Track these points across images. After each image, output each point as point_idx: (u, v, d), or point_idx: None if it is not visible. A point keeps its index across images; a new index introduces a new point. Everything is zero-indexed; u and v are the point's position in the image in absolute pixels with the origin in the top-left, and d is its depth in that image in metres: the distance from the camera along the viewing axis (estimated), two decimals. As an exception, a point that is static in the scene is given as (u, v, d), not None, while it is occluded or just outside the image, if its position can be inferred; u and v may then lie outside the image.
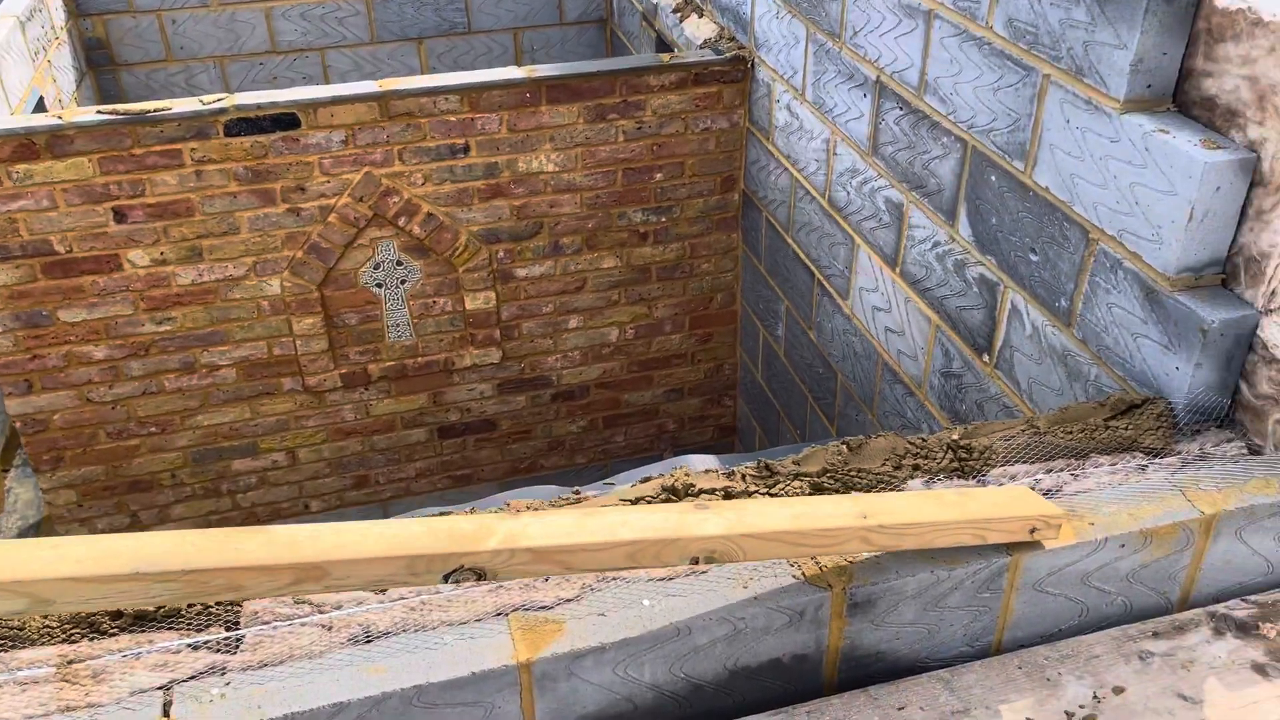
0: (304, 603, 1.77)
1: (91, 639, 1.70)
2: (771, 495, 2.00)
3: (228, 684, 1.62)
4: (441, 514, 1.99)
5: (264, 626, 1.73)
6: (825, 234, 4.04)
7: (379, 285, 4.72)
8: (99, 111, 4.00)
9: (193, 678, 1.63)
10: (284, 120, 4.16)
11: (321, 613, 1.75)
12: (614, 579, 1.83)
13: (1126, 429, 2.21)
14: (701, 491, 1.98)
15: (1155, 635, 1.97)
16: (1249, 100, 2.10)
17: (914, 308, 3.43)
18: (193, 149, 4.11)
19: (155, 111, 4.01)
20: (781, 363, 4.83)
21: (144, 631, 1.71)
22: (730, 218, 4.96)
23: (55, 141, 3.96)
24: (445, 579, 1.51)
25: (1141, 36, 2.22)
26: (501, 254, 4.74)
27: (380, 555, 1.47)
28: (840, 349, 4.11)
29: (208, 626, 1.73)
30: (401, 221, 4.52)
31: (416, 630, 1.72)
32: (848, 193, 3.77)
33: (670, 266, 5.03)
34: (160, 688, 1.62)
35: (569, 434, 5.46)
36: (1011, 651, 1.95)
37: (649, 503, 1.95)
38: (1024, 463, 2.14)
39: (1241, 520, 2.02)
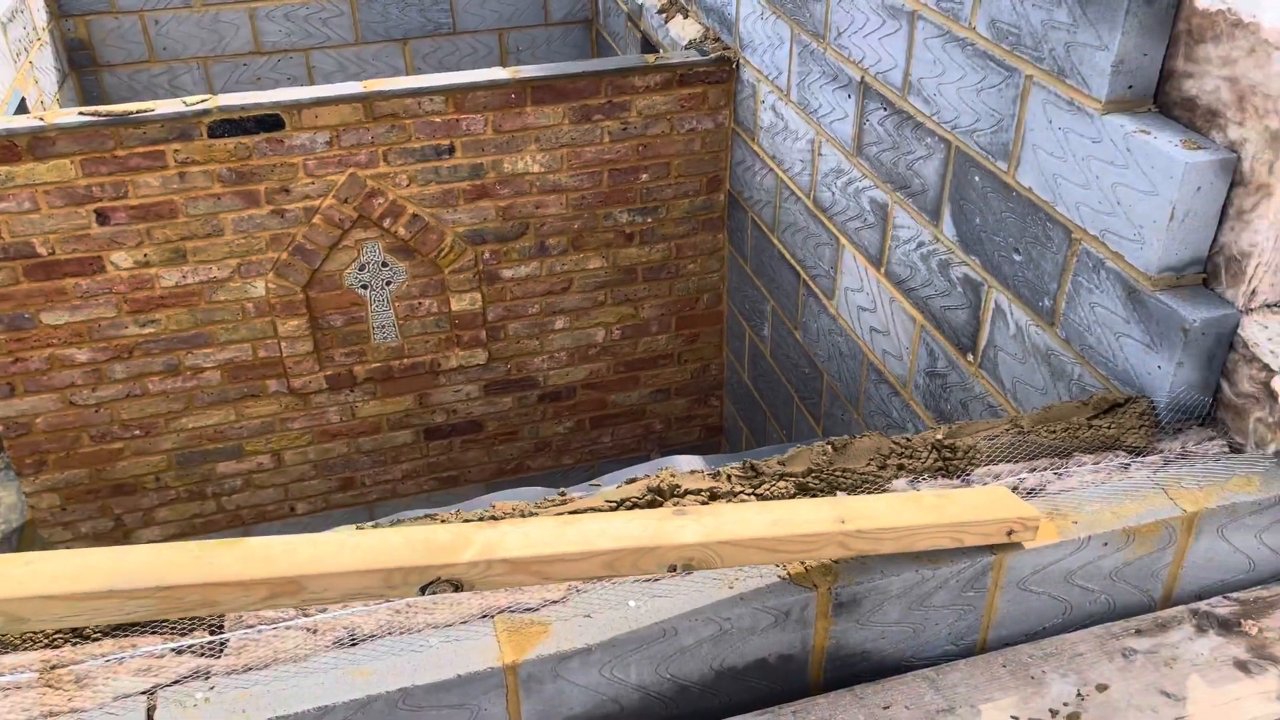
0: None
1: (74, 644, 1.70)
2: (757, 495, 2.01)
3: (212, 688, 1.62)
4: (426, 516, 1.99)
5: (248, 630, 1.72)
6: (810, 234, 4.05)
7: (364, 287, 4.70)
8: (81, 113, 3.97)
9: (177, 682, 1.63)
10: (268, 121, 4.14)
11: (306, 616, 1.75)
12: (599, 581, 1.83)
13: (1109, 428, 2.22)
14: (687, 492, 1.98)
15: (1138, 633, 1.98)
16: (1229, 101, 2.12)
17: (899, 308, 3.45)
18: (176, 150, 4.09)
19: (138, 113, 3.99)
20: (768, 363, 4.83)
21: (127, 636, 1.71)
22: (716, 218, 4.96)
23: (37, 143, 3.93)
24: (422, 590, 1.50)
25: (1122, 38, 2.23)
26: (487, 255, 4.74)
27: (356, 569, 1.47)
28: (826, 349, 4.12)
29: (192, 630, 1.72)
30: (386, 223, 4.51)
31: (402, 633, 1.72)
32: (833, 193, 3.78)
33: (656, 267, 5.04)
34: (144, 692, 1.61)
35: (556, 435, 5.46)
36: (996, 650, 1.96)
37: (633, 505, 1.95)
38: (1008, 462, 2.15)
39: (1223, 518, 2.04)
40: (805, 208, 4.05)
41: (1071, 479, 2.10)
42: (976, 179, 2.86)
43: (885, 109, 3.29)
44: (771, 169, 4.32)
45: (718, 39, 4.62)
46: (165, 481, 4.93)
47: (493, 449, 5.39)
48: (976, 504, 1.90)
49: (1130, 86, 2.30)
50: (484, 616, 1.75)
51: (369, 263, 4.64)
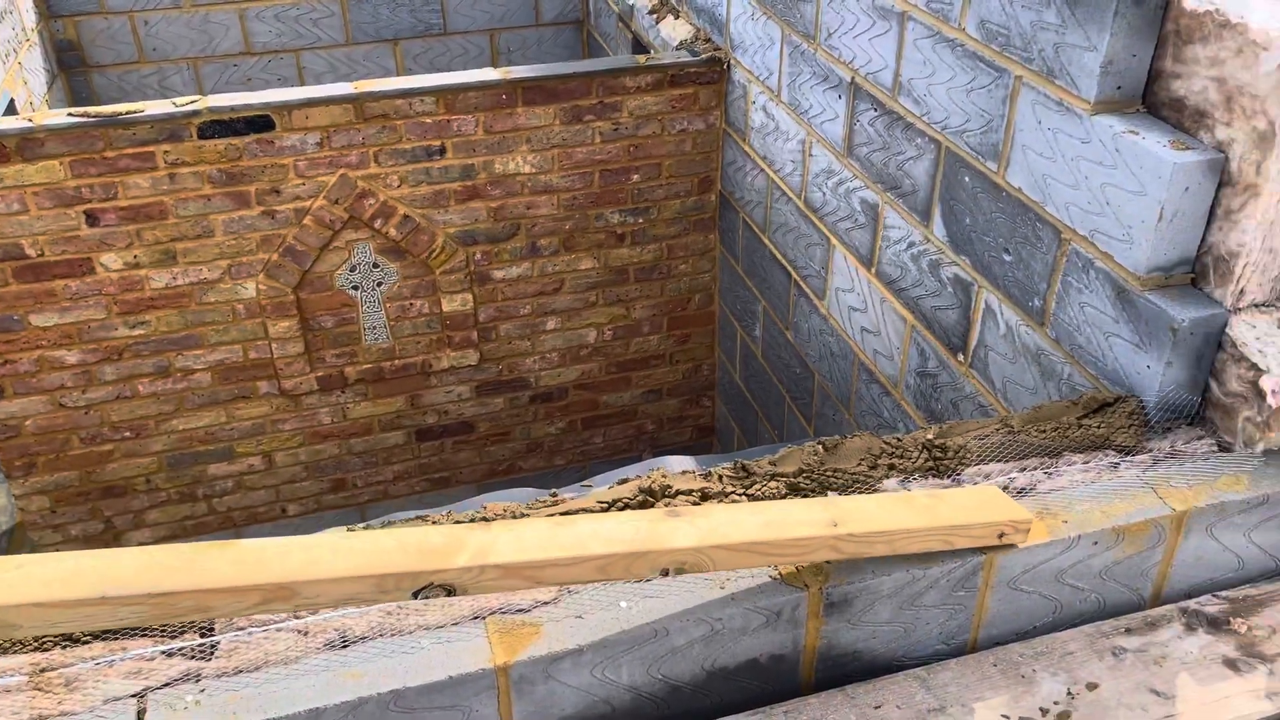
0: (279, 608, 1.76)
1: (64, 646, 1.69)
2: (748, 496, 2.01)
3: (202, 690, 1.61)
4: (418, 518, 1.99)
5: (239, 632, 1.72)
6: (801, 235, 4.05)
7: (355, 288, 4.70)
8: (70, 114, 3.96)
9: (167, 684, 1.62)
10: (258, 122, 4.14)
11: (297, 617, 1.75)
12: (591, 581, 1.83)
13: (1099, 427, 2.23)
14: (678, 493, 1.98)
15: (1128, 631, 1.99)
16: (1217, 101, 2.13)
17: (890, 308, 3.45)
18: (166, 151, 4.08)
19: (127, 114, 3.98)
20: (759, 363, 4.84)
21: (117, 639, 1.70)
22: (707, 219, 4.97)
23: (26, 144, 3.92)
24: (414, 595, 1.50)
25: (1111, 38, 2.24)
26: (479, 256, 4.74)
27: (349, 575, 1.46)
28: (817, 349, 4.13)
29: (182, 633, 1.71)
30: (378, 224, 4.50)
31: (393, 635, 1.72)
32: (823, 194, 3.78)
33: (648, 268, 5.04)
34: (134, 695, 1.61)
35: (547, 436, 5.45)
36: (987, 649, 1.97)
37: (625, 505, 1.95)
38: (998, 461, 2.16)
39: (1212, 517, 2.05)
40: (796, 208, 4.05)
41: (1061, 478, 2.10)
42: (966, 179, 2.87)
43: (876, 109, 3.30)
44: (763, 169, 4.32)
45: (709, 40, 4.62)
46: (156, 483, 4.92)
47: (484, 450, 5.39)
48: (969, 505, 1.90)
49: (1119, 87, 2.31)
50: (475, 618, 1.75)
51: (360, 264, 4.63)
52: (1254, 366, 2.12)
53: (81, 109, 3.99)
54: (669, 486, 1.99)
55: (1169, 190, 2.14)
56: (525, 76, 4.35)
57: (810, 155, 3.83)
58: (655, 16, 5.13)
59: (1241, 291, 2.18)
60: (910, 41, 3.01)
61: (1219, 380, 2.22)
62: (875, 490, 2.07)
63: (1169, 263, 2.24)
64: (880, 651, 1.94)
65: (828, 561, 1.85)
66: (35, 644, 1.68)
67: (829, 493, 2.06)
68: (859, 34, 3.29)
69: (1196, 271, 2.26)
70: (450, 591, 1.52)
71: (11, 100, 4.97)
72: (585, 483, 2.25)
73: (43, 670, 1.64)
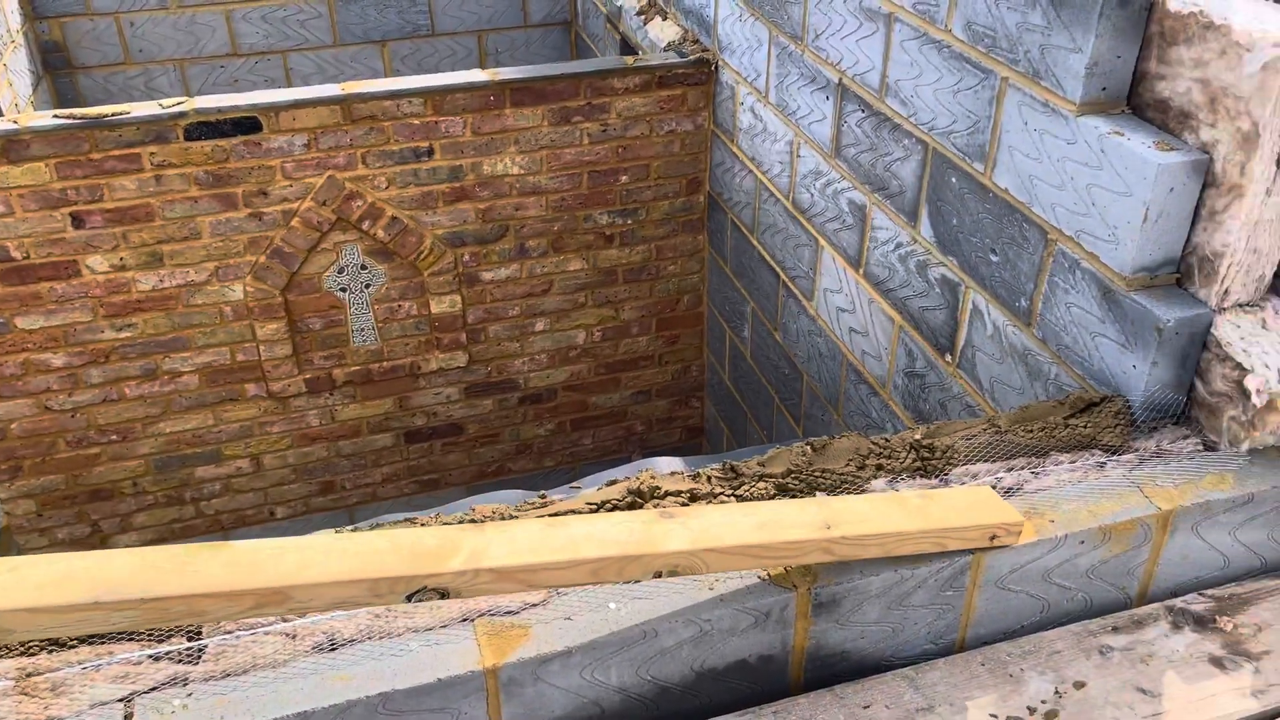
0: (267, 611, 1.75)
1: (51, 651, 1.68)
2: (737, 497, 2.01)
3: (190, 695, 1.61)
4: (407, 520, 1.98)
5: (227, 635, 1.71)
6: (790, 236, 4.06)
7: (343, 289, 4.68)
8: (56, 115, 3.94)
9: (154, 689, 1.62)
10: (245, 124, 4.12)
11: (285, 620, 1.74)
12: (580, 583, 1.83)
13: (1085, 427, 2.24)
14: (667, 494, 1.98)
15: (1115, 630, 1.99)
16: (1201, 102, 2.14)
17: (877, 308, 3.46)
18: (152, 153, 4.07)
19: (113, 115, 3.96)
20: (748, 364, 4.85)
21: (104, 643, 1.69)
22: (696, 220, 4.97)
23: (11, 146, 3.90)
24: (408, 599, 1.50)
25: (1096, 40, 2.25)
26: (467, 257, 4.73)
27: (343, 579, 1.46)
28: (805, 350, 4.14)
29: (169, 636, 1.71)
30: (365, 225, 4.49)
31: (382, 637, 1.71)
32: (811, 195, 3.79)
33: (636, 269, 5.04)
34: (121, 700, 1.60)
35: (537, 437, 5.45)
36: (974, 648, 1.98)
37: (614, 507, 1.95)
38: (985, 461, 2.17)
39: (1198, 516, 2.06)
40: (784, 209, 4.06)
41: (1048, 478, 2.11)
42: (954, 180, 2.88)
43: (863, 111, 3.30)
44: (751, 170, 4.33)
45: (696, 41, 4.63)
46: (143, 487, 4.90)
47: (473, 452, 5.38)
48: (960, 506, 1.90)
49: (1104, 88, 2.32)
50: (464, 620, 1.75)
51: (348, 265, 4.62)
52: (1239, 366, 2.13)
53: (67, 110, 3.97)
54: (657, 488, 1.99)
55: (1154, 191, 2.16)
56: (513, 78, 4.34)
57: (798, 156, 3.84)
58: (643, 18, 5.13)
59: (1226, 291, 2.19)
60: (897, 43, 3.02)
61: (1204, 380, 2.23)
62: (863, 490, 2.08)
63: (1154, 263, 2.26)
64: (869, 651, 1.94)
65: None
66: (21, 648, 1.67)
67: (817, 493, 2.06)
68: (846, 35, 3.30)
69: (1181, 272, 2.27)
70: (444, 595, 1.52)
71: (-4, 102, 4.94)
72: (574, 484, 2.25)
73: (29, 675, 1.63)
